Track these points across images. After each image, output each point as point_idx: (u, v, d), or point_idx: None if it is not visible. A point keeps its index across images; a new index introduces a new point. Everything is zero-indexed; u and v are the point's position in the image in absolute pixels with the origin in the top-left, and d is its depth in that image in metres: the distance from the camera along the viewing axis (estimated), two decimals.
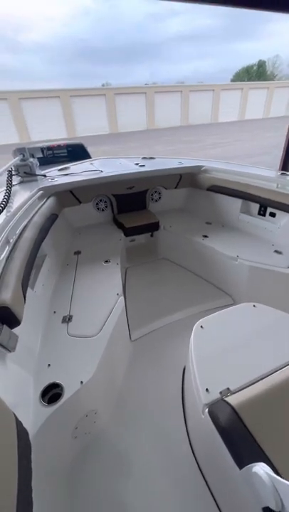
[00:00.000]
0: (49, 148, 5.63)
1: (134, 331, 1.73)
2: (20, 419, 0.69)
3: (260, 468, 0.63)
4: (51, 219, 1.79)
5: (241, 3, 1.84)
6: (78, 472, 1.09)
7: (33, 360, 1.13)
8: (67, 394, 0.99)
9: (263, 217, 2.13)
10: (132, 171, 2.31)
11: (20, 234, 1.35)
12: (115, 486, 1.06)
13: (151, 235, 2.56)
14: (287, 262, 1.74)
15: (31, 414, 0.92)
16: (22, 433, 0.67)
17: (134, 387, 1.43)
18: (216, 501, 0.98)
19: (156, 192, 2.70)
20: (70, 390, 1.01)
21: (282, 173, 2.13)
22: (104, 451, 1.17)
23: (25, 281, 1.12)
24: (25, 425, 0.70)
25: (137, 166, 2.48)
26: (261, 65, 47.01)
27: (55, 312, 1.41)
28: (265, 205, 2.07)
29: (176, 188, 2.64)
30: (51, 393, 1.01)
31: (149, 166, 2.45)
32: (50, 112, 19.70)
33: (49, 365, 1.12)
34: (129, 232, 2.29)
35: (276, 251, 1.88)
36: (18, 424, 0.67)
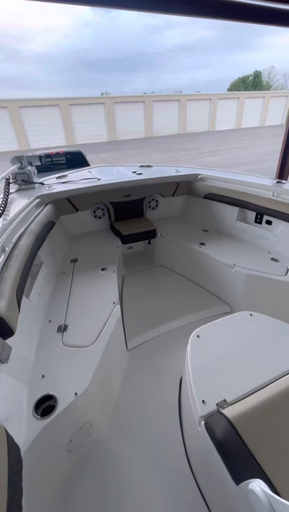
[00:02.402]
0: (47, 155, 5.67)
1: (130, 340, 1.71)
2: (11, 433, 0.67)
3: (257, 485, 0.62)
4: (48, 227, 1.79)
5: (237, 16, 1.90)
6: (72, 487, 1.06)
7: (27, 371, 1.11)
8: (61, 406, 0.97)
9: (260, 225, 2.14)
10: (129, 179, 2.33)
11: (17, 242, 1.35)
12: (110, 501, 1.03)
13: (149, 243, 2.56)
14: (284, 269, 1.75)
15: (24, 427, 0.90)
16: (13, 449, 0.65)
17: (131, 398, 1.40)
18: None
19: (153, 200, 2.71)
20: (64, 402, 0.99)
21: (277, 182, 2.16)
22: (100, 464, 1.14)
23: (20, 290, 1.11)
24: (16, 440, 0.68)
25: (134, 174, 2.50)
26: (257, 75, 48.10)
27: (50, 321, 1.40)
28: (262, 213, 2.09)
29: (173, 195, 2.66)
30: (45, 405, 0.99)
31: (147, 174, 2.48)
32: (50, 119, 19.94)
33: (43, 376, 1.10)
34: (126, 239, 2.29)
35: (273, 259, 1.88)
36: (9, 439, 0.65)
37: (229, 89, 47.11)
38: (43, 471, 0.96)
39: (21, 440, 0.85)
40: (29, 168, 2.25)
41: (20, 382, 1.03)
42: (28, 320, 1.29)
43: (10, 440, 0.65)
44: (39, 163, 2.39)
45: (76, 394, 1.01)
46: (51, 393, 1.01)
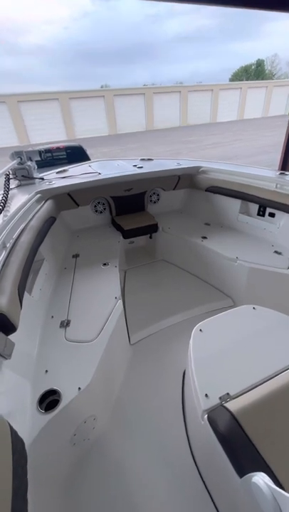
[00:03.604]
0: (47, 150, 5.63)
1: (133, 335, 1.72)
2: (16, 427, 0.68)
3: (260, 479, 0.62)
4: (49, 222, 1.78)
5: (239, 2, 1.84)
6: (77, 480, 1.08)
7: (31, 367, 1.12)
8: (64, 400, 0.98)
9: (262, 218, 2.12)
10: (130, 173, 2.31)
11: (17, 238, 1.34)
12: (115, 493, 1.04)
13: (150, 237, 2.55)
14: (287, 262, 1.73)
15: (28, 422, 0.91)
16: (17, 442, 0.66)
17: (134, 392, 1.41)
18: (217, 509, 0.97)
19: (154, 193, 2.68)
20: (68, 396, 0.99)
21: (281, 173, 2.12)
22: (104, 457, 1.15)
23: (22, 287, 1.11)
24: (21, 434, 0.69)
25: (135, 168, 2.47)
26: (260, 64, 46.96)
27: (52, 317, 1.40)
28: (265, 206, 2.06)
29: (174, 189, 2.63)
30: (48, 400, 1.00)
31: (147, 168, 2.44)
32: (49, 114, 19.72)
33: (46, 371, 1.10)
34: (127, 234, 2.28)
35: (276, 251, 1.86)
36: (13, 433, 0.65)
37: (231, 80, 46.07)
38: (48, 464, 0.98)
39: (26, 434, 0.85)
40: (29, 163, 2.23)
41: (23, 377, 1.04)
42: (31, 316, 1.29)
43: (14, 434, 0.65)
44: (39, 158, 2.36)
45: (79, 388, 1.02)
46: (55, 388, 1.02)
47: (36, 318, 1.35)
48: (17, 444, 0.65)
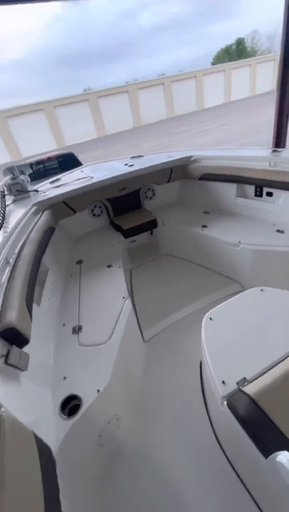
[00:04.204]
0: (39, 162, 5.65)
1: (146, 331, 1.73)
2: (41, 435, 0.70)
3: (284, 457, 0.62)
4: (48, 232, 1.80)
5: None
6: (108, 479, 1.10)
7: (48, 375, 1.14)
8: (86, 404, 1.00)
9: (260, 198, 2.09)
10: (121, 173, 2.31)
11: (19, 252, 1.36)
12: (147, 487, 1.06)
13: (151, 233, 2.55)
14: None
15: (53, 428, 0.93)
16: (44, 449, 0.68)
17: (154, 387, 1.43)
18: (247, 489, 0.98)
19: (149, 189, 2.68)
20: (88, 399, 1.01)
21: (273, 151, 2.08)
22: (132, 454, 1.17)
23: (30, 299, 1.13)
24: (47, 441, 0.71)
25: (126, 167, 2.46)
26: (240, 42, 45.89)
27: (64, 324, 1.42)
28: (261, 186, 2.03)
29: (168, 182, 2.61)
30: (70, 405, 1.02)
31: (138, 165, 2.44)
32: (37, 125, 19.80)
33: (65, 377, 1.13)
34: (127, 233, 2.28)
35: (278, 230, 1.84)
36: (38, 441, 0.67)
37: (213, 63, 45.27)
38: (77, 466, 1.00)
39: (52, 441, 0.88)
40: (22, 177, 2.25)
41: (42, 386, 1.06)
42: (42, 326, 1.31)
43: (39, 442, 0.67)
44: (31, 171, 2.39)
45: (98, 391, 1.03)
46: (75, 393, 1.04)
47: (48, 328, 1.37)
48: (43, 450, 0.67)
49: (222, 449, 1.11)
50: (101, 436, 1.09)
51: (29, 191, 2.27)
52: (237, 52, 45.60)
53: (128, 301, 1.49)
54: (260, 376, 0.91)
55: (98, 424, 1.08)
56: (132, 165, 2.48)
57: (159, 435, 1.23)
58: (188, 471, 1.09)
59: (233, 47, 46.44)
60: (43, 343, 1.25)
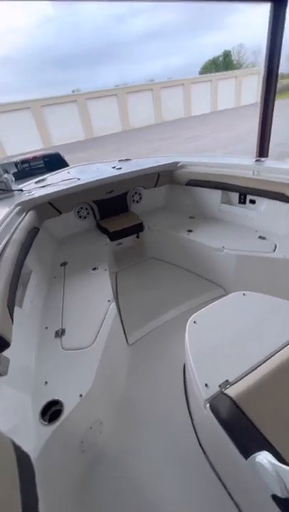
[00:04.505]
0: (24, 161, 5.52)
1: (130, 335, 1.72)
2: (19, 442, 0.67)
3: (264, 458, 0.64)
4: (32, 233, 1.75)
5: None
6: (90, 486, 1.08)
7: (29, 380, 1.11)
8: (67, 409, 0.97)
9: (244, 205, 2.16)
10: (109, 175, 2.30)
11: (1, 253, 1.32)
12: (128, 493, 1.05)
13: (137, 237, 2.55)
14: (272, 246, 1.77)
15: (32, 435, 0.90)
16: (22, 457, 0.65)
17: (137, 391, 1.42)
18: (229, 493, 0.99)
19: (136, 193, 2.69)
20: (70, 404, 0.99)
21: (256, 160, 2.16)
22: (114, 460, 1.15)
23: (11, 301, 1.09)
24: (26, 448, 0.68)
25: (114, 170, 2.46)
26: (227, 55, 47.58)
27: (47, 328, 1.39)
28: (244, 193, 2.10)
29: (155, 186, 2.64)
30: (51, 411, 0.99)
31: (126, 168, 2.45)
32: (23, 124, 19.41)
33: (46, 382, 1.09)
34: (114, 236, 2.27)
35: (260, 237, 1.90)
36: (17, 448, 0.65)
37: (201, 73, 46.59)
38: (58, 474, 0.97)
39: (31, 448, 0.85)
40: (6, 176, 2.19)
41: (23, 391, 1.03)
42: (24, 329, 1.27)
43: (18, 449, 0.65)
44: (16, 170, 2.33)
45: (81, 395, 1.01)
46: (56, 398, 1.01)
47: (30, 331, 1.33)
48: (22, 458, 0.65)
49: (204, 452, 1.12)
50: (82, 442, 1.07)
51: (13, 190, 2.21)
52: (224, 64, 47.24)
53: (113, 305, 1.47)
54: (241, 378, 0.92)
55: (80, 429, 1.06)
56: (120, 168, 2.48)
57: (141, 440, 1.22)
58: (170, 476, 1.08)
59: (220, 58, 48.11)
60: (25, 346, 1.21)
